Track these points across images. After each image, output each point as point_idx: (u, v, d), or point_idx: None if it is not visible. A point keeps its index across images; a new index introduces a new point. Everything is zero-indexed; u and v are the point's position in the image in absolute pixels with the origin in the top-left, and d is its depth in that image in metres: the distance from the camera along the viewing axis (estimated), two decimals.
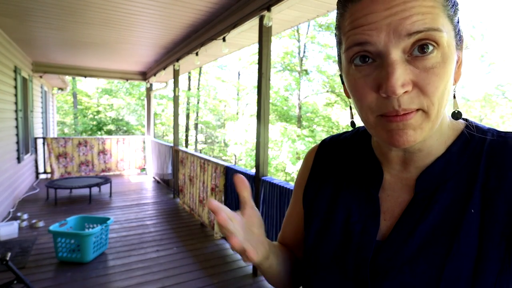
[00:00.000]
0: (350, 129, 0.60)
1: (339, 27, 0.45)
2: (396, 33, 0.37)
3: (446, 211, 0.43)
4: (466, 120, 0.49)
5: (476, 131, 0.47)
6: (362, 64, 0.41)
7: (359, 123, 0.53)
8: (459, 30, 0.42)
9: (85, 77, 7.03)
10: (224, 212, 0.43)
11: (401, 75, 0.37)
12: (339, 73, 0.51)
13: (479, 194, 0.42)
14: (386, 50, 0.38)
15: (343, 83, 0.51)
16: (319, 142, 0.65)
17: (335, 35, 0.48)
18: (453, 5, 0.40)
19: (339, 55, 0.48)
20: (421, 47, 0.38)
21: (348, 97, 0.50)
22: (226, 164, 3.40)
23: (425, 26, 0.37)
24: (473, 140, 0.46)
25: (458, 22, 0.42)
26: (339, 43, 0.46)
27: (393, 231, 0.46)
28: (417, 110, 0.39)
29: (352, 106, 0.51)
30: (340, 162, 0.58)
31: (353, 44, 0.40)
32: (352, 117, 0.54)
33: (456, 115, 0.44)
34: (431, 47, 0.38)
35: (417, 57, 0.38)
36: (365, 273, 0.46)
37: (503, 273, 0.38)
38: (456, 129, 0.48)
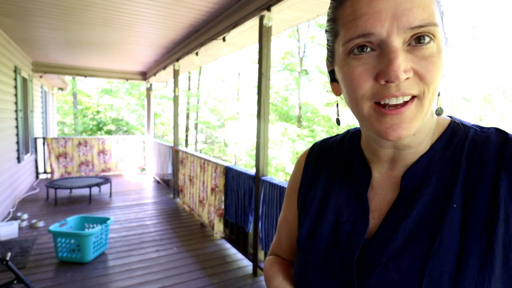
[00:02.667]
0: (350, 129, 0.61)
1: (335, 18, 0.45)
2: (400, 25, 0.38)
3: (429, 206, 0.44)
4: (451, 117, 0.51)
5: (460, 128, 0.48)
6: (361, 53, 0.41)
7: (351, 123, 0.53)
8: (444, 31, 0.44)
9: (85, 77, 7.03)
10: None
11: (403, 62, 0.38)
12: (330, 69, 0.51)
13: (461, 189, 0.43)
14: (388, 39, 0.39)
15: (332, 80, 0.51)
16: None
17: (328, 29, 0.47)
18: (441, 5, 0.42)
19: (331, 49, 0.48)
20: (418, 38, 0.39)
21: (337, 94, 0.51)
22: (226, 164, 3.40)
23: (425, 21, 0.38)
24: (456, 136, 0.47)
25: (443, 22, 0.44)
26: (334, 36, 0.45)
27: (379, 228, 0.47)
28: (412, 98, 0.40)
29: (340, 103, 0.52)
30: (331, 163, 0.59)
31: (355, 36, 0.40)
32: (338, 115, 0.54)
33: (438, 111, 0.45)
34: (428, 39, 0.39)
35: (416, 46, 0.39)
36: (351, 271, 0.46)
37: (484, 266, 0.39)
38: (441, 126, 0.49)
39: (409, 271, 0.42)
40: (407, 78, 0.39)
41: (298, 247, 0.56)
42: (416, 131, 0.44)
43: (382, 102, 0.41)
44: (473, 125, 0.48)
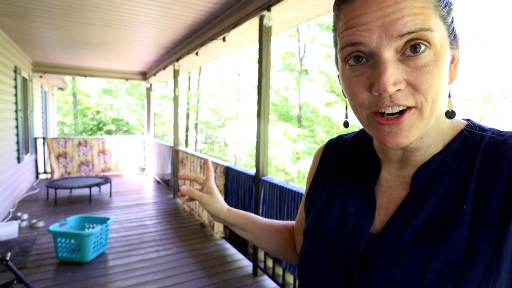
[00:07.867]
0: (351, 130, 0.64)
1: (335, 28, 0.46)
2: (388, 34, 0.38)
3: (439, 207, 0.44)
4: (468, 120, 0.50)
5: (476, 130, 0.47)
6: (356, 64, 0.42)
7: (355, 123, 0.54)
8: (453, 29, 0.42)
9: (85, 77, 7.04)
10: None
11: (393, 74, 0.38)
12: (337, 73, 0.52)
13: (473, 191, 0.43)
14: (378, 51, 0.39)
15: (340, 83, 0.52)
16: (320, 142, 0.69)
17: (333, 36, 0.49)
18: (445, 5, 0.41)
19: (336, 56, 0.49)
20: (413, 46, 0.38)
21: (345, 96, 0.51)
22: (226, 164, 3.40)
23: (416, 27, 0.37)
24: (472, 138, 0.47)
25: (452, 21, 0.42)
26: (335, 44, 0.47)
27: (387, 225, 0.47)
28: (410, 108, 0.40)
29: (348, 105, 0.52)
30: (343, 158, 0.60)
31: (346, 44, 0.41)
32: (346, 117, 0.55)
33: (450, 114, 0.44)
34: (423, 47, 0.38)
35: (409, 56, 0.39)
36: (354, 262, 0.47)
37: (490, 268, 0.38)
38: (456, 129, 0.48)
39: (412, 267, 0.42)
40: (398, 90, 0.39)
41: (305, 235, 0.58)
42: (424, 135, 0.44)
43: (379, 111, 0.41)
44: (490, 128, 0.47)
